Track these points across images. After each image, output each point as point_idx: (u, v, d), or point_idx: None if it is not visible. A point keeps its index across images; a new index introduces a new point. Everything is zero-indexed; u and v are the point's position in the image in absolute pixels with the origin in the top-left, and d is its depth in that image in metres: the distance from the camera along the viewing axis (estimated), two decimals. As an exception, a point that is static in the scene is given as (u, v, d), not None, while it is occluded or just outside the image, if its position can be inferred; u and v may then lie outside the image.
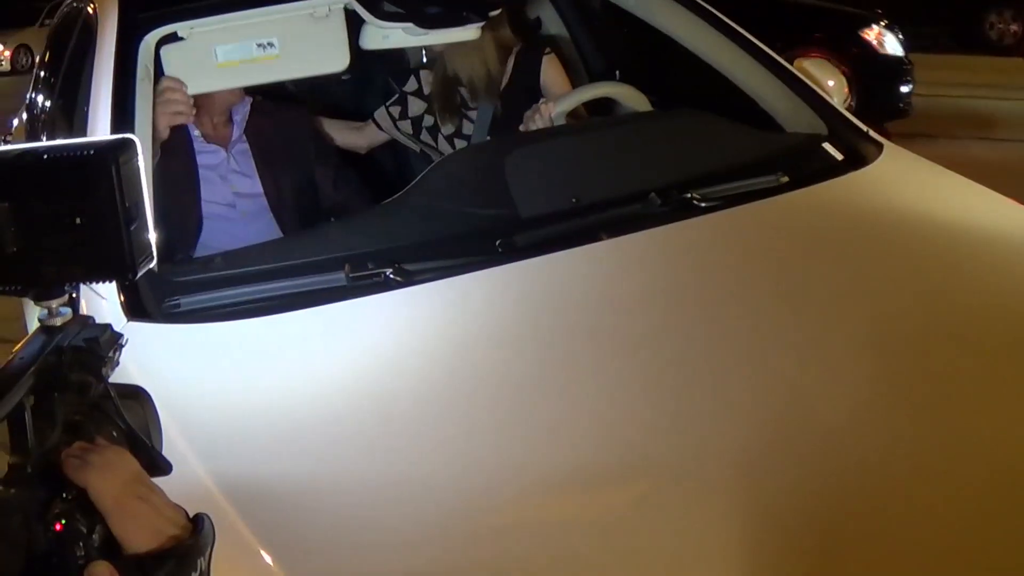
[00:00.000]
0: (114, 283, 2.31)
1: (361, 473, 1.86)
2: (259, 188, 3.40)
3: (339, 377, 2.08)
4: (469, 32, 3.05)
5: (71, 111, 3.17)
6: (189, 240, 3.22)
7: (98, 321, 2.24)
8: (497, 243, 2.43)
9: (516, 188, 2.63)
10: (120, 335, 1.18)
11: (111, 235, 1.07)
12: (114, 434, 1.12)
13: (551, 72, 3.57)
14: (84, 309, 2.32)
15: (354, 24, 3.06)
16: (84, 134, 2.67)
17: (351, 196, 3.56)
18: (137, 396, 1.21)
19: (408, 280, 2.31)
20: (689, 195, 2.60)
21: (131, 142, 1.11)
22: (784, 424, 1.93)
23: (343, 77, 4.66)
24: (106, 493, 1.03)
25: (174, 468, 1.83)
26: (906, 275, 2.41)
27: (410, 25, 2.90)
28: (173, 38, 2.85)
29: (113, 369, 1.16)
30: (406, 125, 3.73)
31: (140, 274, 1.11)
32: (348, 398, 2.03)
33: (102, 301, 2.30)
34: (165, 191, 3.06)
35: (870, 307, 2.28)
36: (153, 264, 1.14)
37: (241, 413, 2.01)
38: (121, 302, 2.28)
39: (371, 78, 4.46)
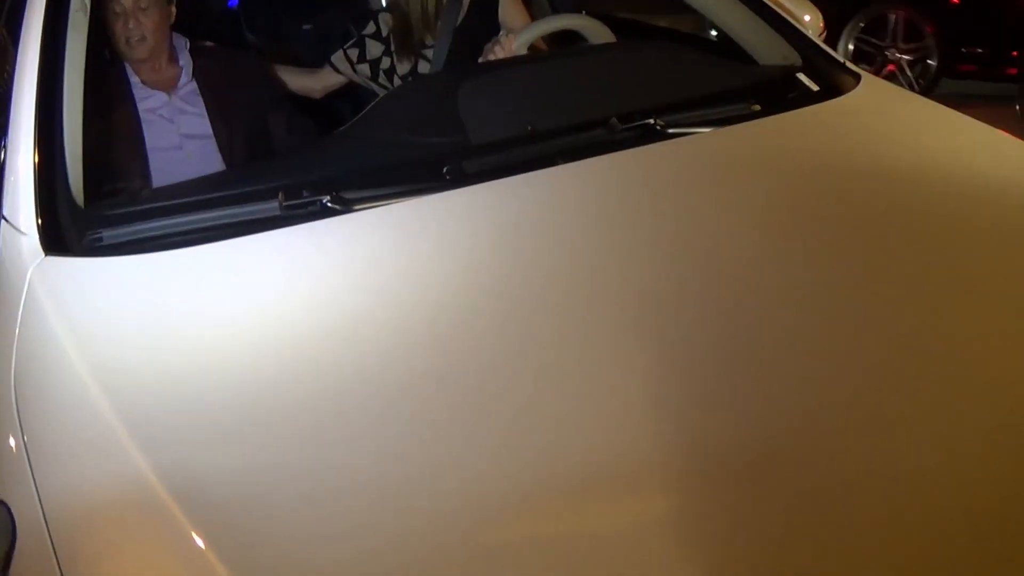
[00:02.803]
0: (34, 217, 2.17)
1: (291, 430, 1.68)
2: (208, 130, 3.26)
3: (266, 310, 1.92)
4: None
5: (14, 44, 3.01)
6: (140, 186, 3.05)
7: (17, 256, 2.09)
8: (444, 170, 2.26)
9: (468, 116, 2.46)
10: None
11: None
12: None
13: (510, 7, 3.43)
14: (4, 247, 2.17)
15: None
16: (13, 68, 2.50)
17: (306, 141, 3.41)
18: None
19: (346, 208, 2.14)
20: (652, 120, 2.42)
21: None
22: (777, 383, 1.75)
23: (304, 27, 4.53)
24: None
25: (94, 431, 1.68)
26: (879, 195, 2.24)
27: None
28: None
29: None
30: (364, 68, 3.59)
31: None
32: (274, 336, 1.86)
33: (22, 237, 2.14)
34: (107, 140, 2.92)
35: (839, 231, 2.12)
36: None
37: (162, 354, 1.84)
38: (39, 236, 2.11)
39: (332, 27, 4.32)
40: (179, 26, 3.36)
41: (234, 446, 1.66)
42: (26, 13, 2.56)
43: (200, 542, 1.48)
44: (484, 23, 3.39)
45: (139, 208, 2.24)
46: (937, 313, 1.90)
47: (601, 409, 1.69)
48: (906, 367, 1.77)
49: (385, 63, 3.55)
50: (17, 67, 2.44)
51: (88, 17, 2.62)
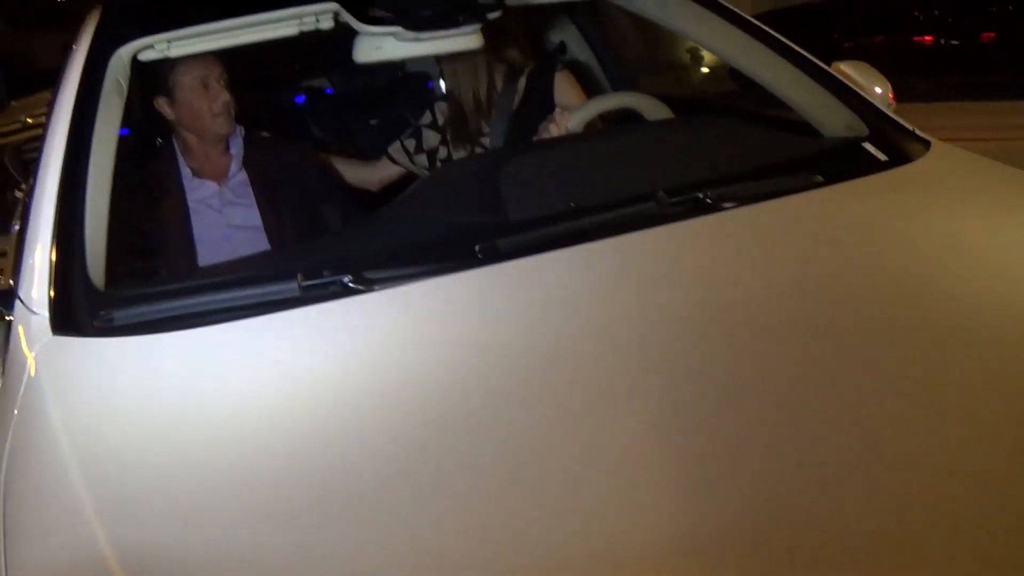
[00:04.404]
0: (46, 297, 2.10)
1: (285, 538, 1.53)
2: (257, 221, 3.18)
3: (272, 393, 1.79)
4: (467, 39, 2.73)
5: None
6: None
7: (26, 336, 2.01)
8: (477, 248, 2.13)
9: (508, 195, 2.32)
10: None
11: None
12: None
13: (565, 88, 3.32)
14: (17, 327, 2.09)
15: (347, 41, 2.81)
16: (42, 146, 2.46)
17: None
18: None
19: (368, 288, 2.01)
20: (701, 194, 2.27)
21: None
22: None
23: (371, 122, 4.49)
24: None
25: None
26: (936, 275, 2.08)
27: (399, 30, 2.62)
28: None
29: None
30: (421, 159, 3.51)
31: None
32: (279, 424, 1.73)
33: (33, 316, 2.06)
34: (147, 226, 2.87)
35: (906, 309, 1.95)
36: None
37: (155, 439, 1.72)
38: (49, 316, 2.03)
39: (397, 123, 4.28)
40: (246, 119, 3.30)
41: (222, 544, 1.53)
42: (58, 99, 2.52)
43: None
44: (540, 107, 3.28)
45: (154, 289, 2.14)
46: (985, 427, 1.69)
47: (627, 497, 1.54)
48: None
49: (442, 153, 3.47)
50: (44, 145, 2.39)
51: (124, 100, 2.56)
